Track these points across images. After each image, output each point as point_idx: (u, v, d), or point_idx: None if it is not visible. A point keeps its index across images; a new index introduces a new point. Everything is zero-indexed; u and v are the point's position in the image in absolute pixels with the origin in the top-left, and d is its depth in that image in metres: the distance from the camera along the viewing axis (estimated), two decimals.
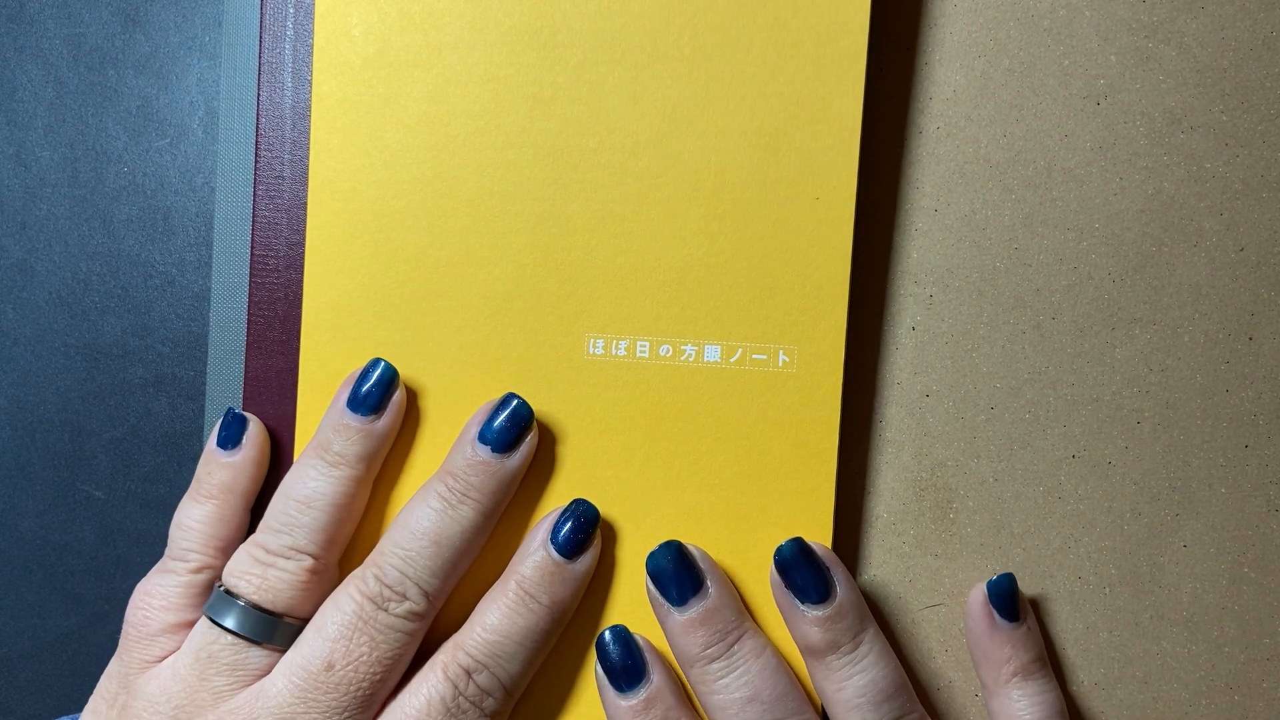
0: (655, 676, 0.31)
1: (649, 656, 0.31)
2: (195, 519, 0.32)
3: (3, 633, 0.37)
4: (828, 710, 0.30)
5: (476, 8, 0.31)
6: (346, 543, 0.31)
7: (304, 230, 0.33)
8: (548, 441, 0.32)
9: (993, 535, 0.33)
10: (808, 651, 0.30)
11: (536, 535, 0.31)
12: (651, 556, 0.31)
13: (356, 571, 0.30)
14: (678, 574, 0.30)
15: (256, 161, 0.33)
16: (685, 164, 0.31)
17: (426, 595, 0.30)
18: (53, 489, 0.37)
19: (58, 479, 0.37)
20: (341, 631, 0.29)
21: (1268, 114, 0.32)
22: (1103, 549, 0.33)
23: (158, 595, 0.31)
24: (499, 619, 0.30)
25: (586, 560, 0.31)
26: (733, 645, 0.30)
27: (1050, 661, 0.33)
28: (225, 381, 0.35)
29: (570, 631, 0.32)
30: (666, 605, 0.30)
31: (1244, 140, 0.32)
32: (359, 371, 0.31)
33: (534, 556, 0.30)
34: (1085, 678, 0.33)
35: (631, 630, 0.31)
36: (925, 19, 0.32)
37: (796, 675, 0.31)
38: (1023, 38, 0.33)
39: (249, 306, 0.33)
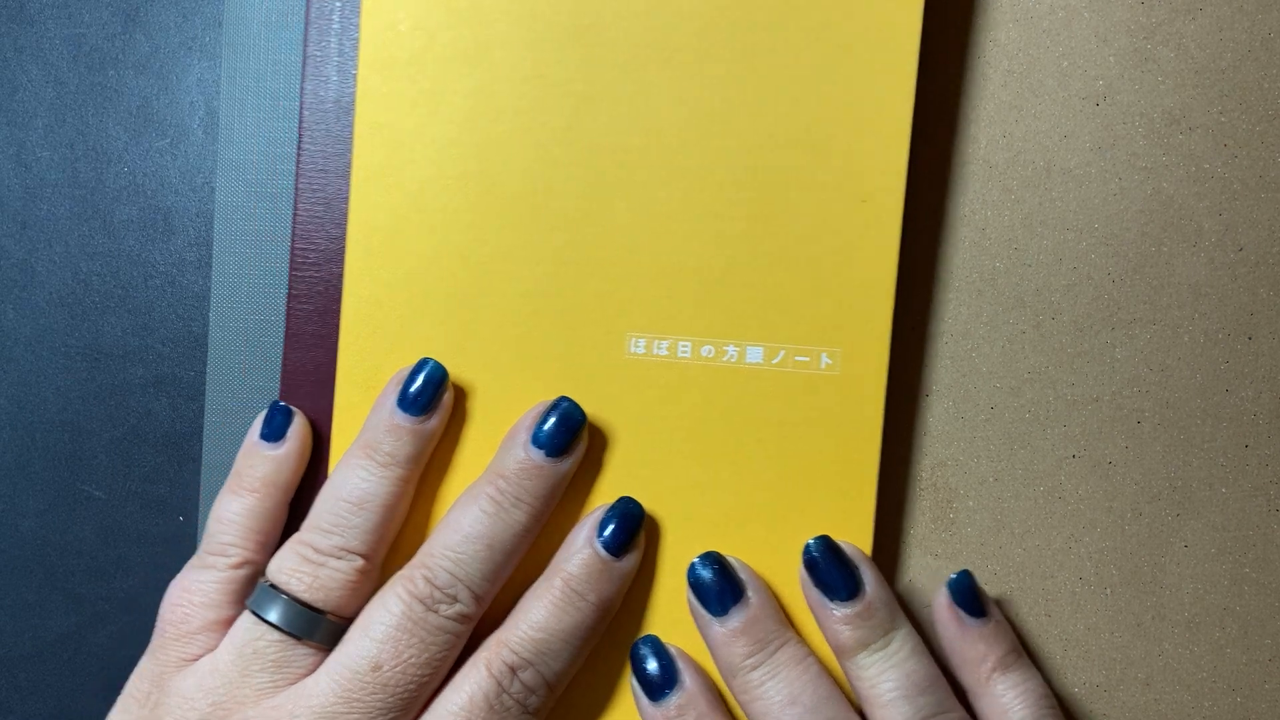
0: (688, 683, 0.30)
1: (681, 664, 0.31)
2: (235, 512, 0.31)
3: (3, 633, 0.37)
4: (864, 711, 0.30)
5: (523, 5, 0.31)
6: (392, 541, 0.31)
7: (344, 225, 0.32)
8: (589, 440, 0.32)
9: (993, 535, 0.33)
10: (839, 650, 0.30)
11: (581, 532, 0.31)
12: (692, 568, 0.31)
13: (403, 572, 0.30)
14: (719, 584, 0.30)
15: (299, 155, 0.33)
16: (731, 164, 0.31)
17: (476, 597, 0.30)
18: (53, 489, 0.37)
19: (58, 479, 0.37)
20: (389, 633, 0.29)
21: (1266, 115, 0.32)
22: (1103, 549, 0.33)
23: (197, 591, 0.31)
24: (545, 616, 0.30)
25: (632, 558, 0.31)
26: (775, 652, 0.30)
27: (1035, 659, 0.33)
28: (225, 381, 0.35)
29: (610, 629, 0.32)
30: (708, 616, 0.30)
31: (1243, 141, 0.32)
32: (407, 370, 0.31)
33: (580, 554, 0.30)
34: (1087, 679, 0.33)
35: (668, 635, 0.31)
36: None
37: (840, 688, 0.31)
38: (1022, 39, 0.33)
39: (287, 300, 0.33)
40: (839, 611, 0.30)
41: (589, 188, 0.31)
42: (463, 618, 0.29)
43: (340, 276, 0.32)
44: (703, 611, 0.30)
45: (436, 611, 0.29)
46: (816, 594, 0.30)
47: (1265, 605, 0.32)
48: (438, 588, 0.29)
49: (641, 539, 0.31)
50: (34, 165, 0.37)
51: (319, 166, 0.33)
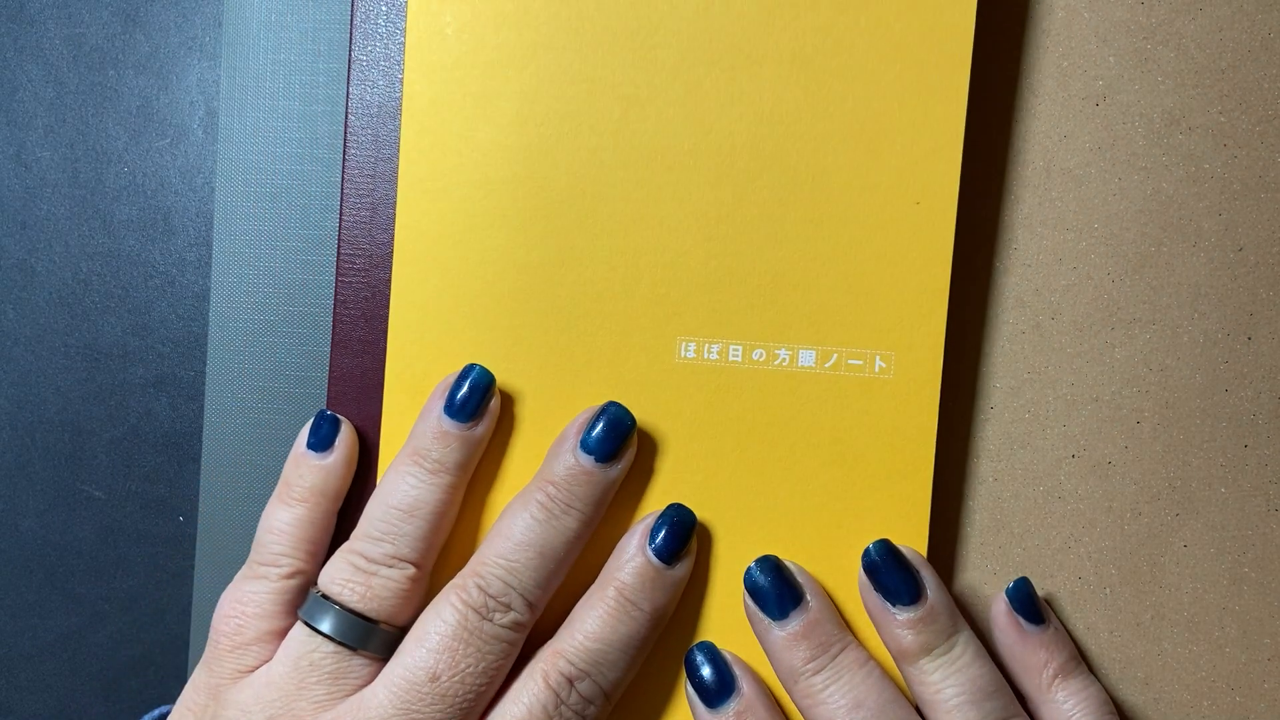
0: (746, 689, 0.30)
1: (738, 670, 0.30)
2: (286, 522, 0.31)
3: (3, 633, 0.37)
4: (927, 715, 0.30)
5: (571, 7, 0.31)
6: (440, 547, 0.31)
7: (391, 229, 0.32)
8: (639, 446, 0.32)
9: (993, 535, 0.33)
10: (900, 656, 0.30)
11: (633, 540, 0.30)
12: (749, 572, 0.30)
13: (456, 580, 0.30)
14: (777, 588, 0.30)
15: (345, 160, 0.32)
16: (782, 166, 0.31)
17: (530, 605, 0.29)
18: (53, 489, 0.37)
19: (58, 479, 0.37)
20: (445, 642, 0.29)
21: (1266, 115, 0.32)
22: (1103, 549, 0.33)
23: (250, 602, 0.31)
24: (600, 626, 0.29)
25: (685, 565, 0.30)
26: (836, 656, 0.30)
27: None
28: (225, 381, 0.35)
29: (663, 637, 0.31)
30: (766, 620, 0.30)
31: (1242, 141, 0.32)
32: (454, 377, 0.31)
33: (633, 562, 0.30)
34: None
35: (723, 643, 0.31)
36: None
37: (902, 692, 0.31)
38: (1022, 38, 0.33)
39: (334, 305, 0.33)
40: (901, 616, 0.29)
41: (638, 191, 0.31)
42: (517, 626, 0.29)
43: (387, 282, 0.32)
44: (761, 616, 0.30)
45: (491, 620, 0.29)
46: (877, 599, 0.30)
47: (1264, 605, 0.33)
48: (491, 596, 0.29)
49: (693, 546, 0.31)
50: (34, 165, 0.37)
51: (365, 172, 0.32)
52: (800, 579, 0.30)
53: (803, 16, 0.31)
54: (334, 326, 0.33)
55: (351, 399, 0.33)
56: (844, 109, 0.31)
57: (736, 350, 0.31)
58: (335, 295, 0.33)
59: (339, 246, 0.33)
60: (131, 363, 0.37)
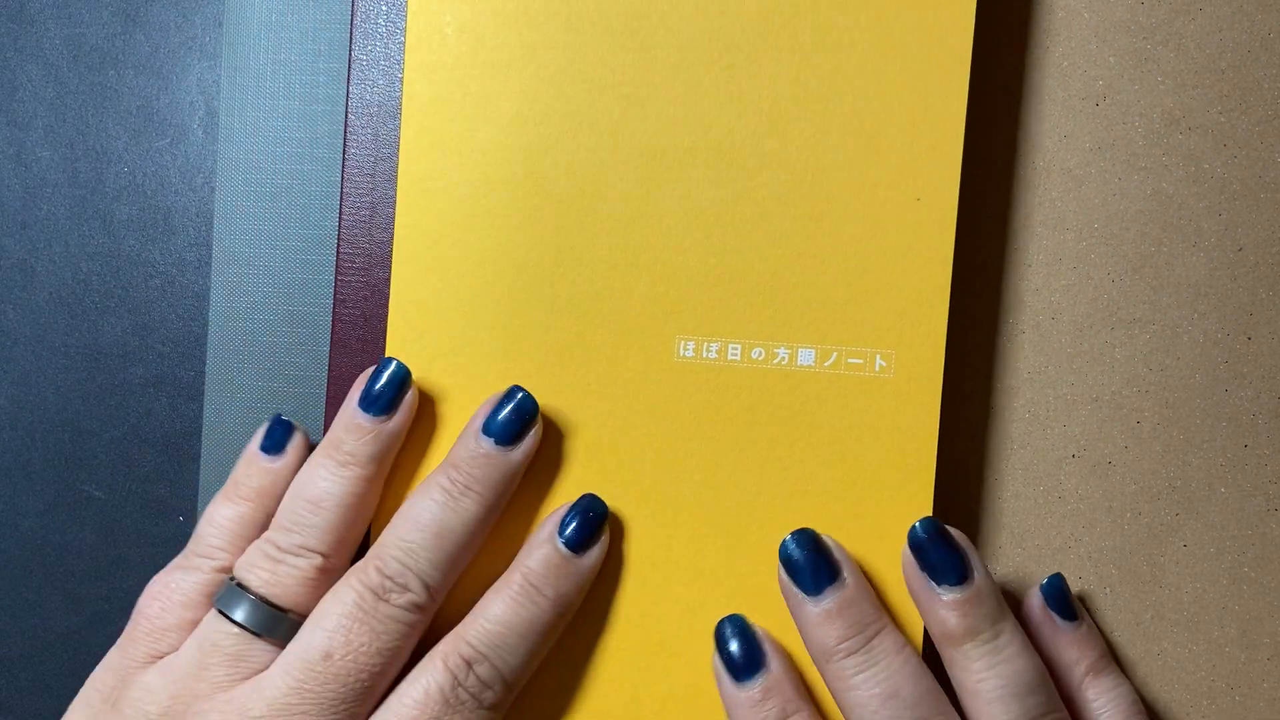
0: (774, 666, 0.30)
1: (768, 647, 0.30)
2: (227, 518, 0.31)
3: (3, 633, 0.37)
4: (965, 705, 0.29)
5: (570, 6, 0.31)
6: (358, 542, 0.31)
7: (390, 229, 0.32)
8: (635, 446, 0.31)
9: (993, 535, 0.33)
10: (944, 639, 0.29)
11: (544, 530, 0.31)
12: (784, 544, 0.30)
13: (357, 565, 0.30)
14: (813, 562, 0.30)
15: (344, 159, 0.33)
16: (782, 164, 0.31)
17: (428, 587, 0.30)
18: (53, 489, 0.37)
19: (58, 479, 0.37)
20: (340, 622, 0.29)
21: (1265, 115, 0.32)
22: (1103, 549, 0.33)
23: (177, 590, 0.31)
24: (502, 610, 0.30)
25: (594, 555, 0.31)
26: (871, 639, 0.29)
27: None
28: (225, 381, 0.35)
29: (582, 628, 0.31)
30: (800, 595, 0.30)
31: (1242, 141, 0.32)
32: (371, 370, 0.31)
33: (540, 550, 0.30)
34: None
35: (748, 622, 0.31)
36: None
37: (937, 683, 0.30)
38: (1022, 38, 0.33)
39: (334, 305, 0.33)
40: (947, 596, 0.29)
41: (638, 190, 0.31)
42: (414, 607, 0.29)
43: (386, 281, 0.32)
44: (795, 590, 0.30)
45: (388, 601, 0.29)
46: (921, 578, 0.29)
47: (1264, 604, 0.33)
48: (388, 577, 0.29)
49: (605, 536, 0.31)
50: (34, 165, 0.37)
51: (365, 171, 0.32)
52: (838, 555, 0.30)
53: (802, 14, 0.31)
54: (333, 326, 0.33)
55: None
56: (843, 106, 0.31)
57: (735, 349, 0.31)
58: (334, 295, 0.33)
59: (338, 246, 0.33)
60: (131, 363, 0.37)
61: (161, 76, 0.37)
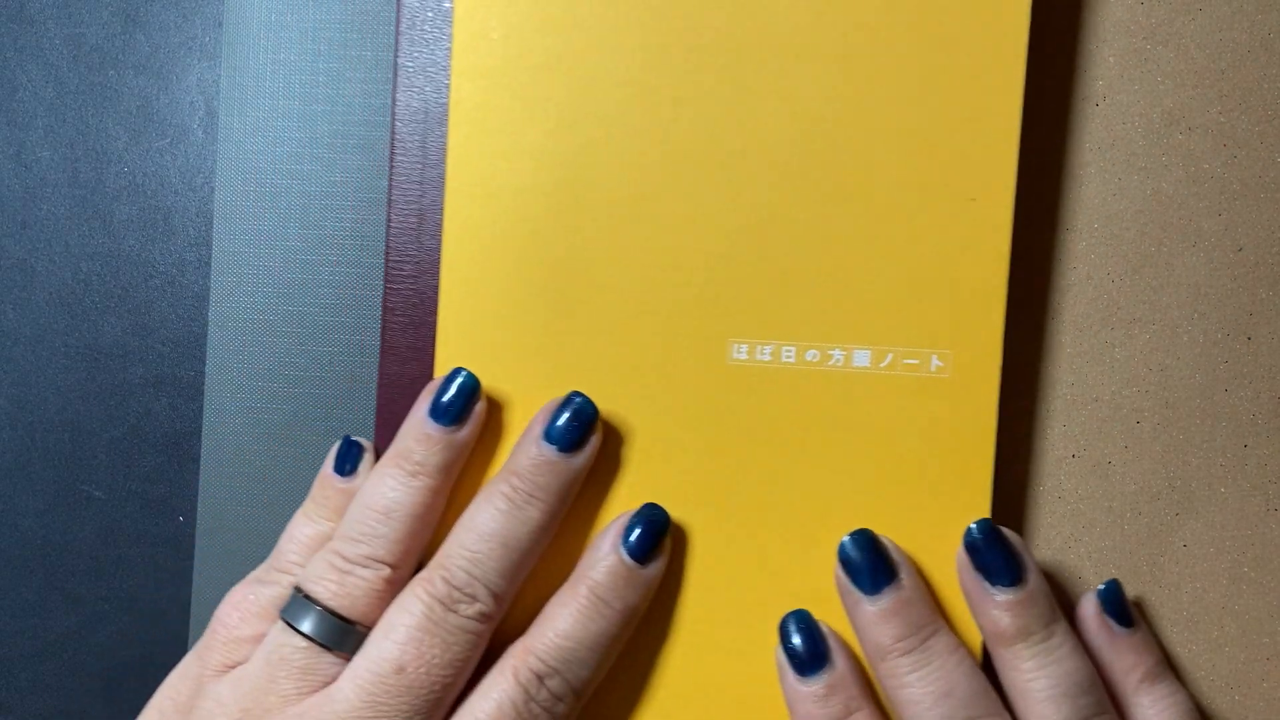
0: (839, 663, 0.30)
1: (833, 643, 0.30)
2: (308, 536, 0.32)
3: (3, 633, 0.37)
4: (1016, 706, 0.29)
5: (618, 9, 0.31)
6: (422, 552, 0.31)
7: (438, 236, 0.32)
8: (690, 450, 0.31)
9: None
10: (997, 639, 0.29)
11: (607, 539, 0.30)
12: (842, 545, 0.30)
13: (422, 574, 0.30)
14: (871, 561, 0.30)
15: (391, 167, 0.32)
16: (834, 165, 0.30)
17: (495, 596, 0.29)
18: (53, 489, 0.37)
19: (58, 479, 0.37)
20: (410, 634, 0.29)
21: (1265, 115, 0.32)
22: (1102, 549, 0.33)
23: (254, 603, 0.31)
24: (570, 624, 0.29)
25: (658, 565, 0.30)
26: (927, 639, 0.29)
27: None
28: (225, 381, 0.35)
29: (643, 633, 0.31)
30: (857, 594, 0.30)
31: (1242, 141, 0.32)
32: (440, 380, 0.31)
33: (606, 561, 0.30)
34: None
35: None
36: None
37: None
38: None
39: (383, 312, 0.32)
40: (1001, 597, 0.29)
41: (688, 192, 0.31)
42: (482, 617, 0.29)
43: (434, 289, 0.32)
44: (852, 589, 0.30)
45: (456, 611, 0.29)
46: (976, 578, 0.30)
47: (1263, 604, 0.33)
48: (456, 587, 0.29)
49: (667, 545, 0.31)
50: (34, 165, 0.37)
51: (412, 178, 0.32)
52: (895, 556, 0.30)
53: (851, 13, 0.30)
54: (382, 333, 0.33)
55: (402, 406, 0.32)
56: (895, 106, 0.30)
57: (789, 351, 0.31)
58: (383, 302, 0.32)
59: (386, 253, 0.32)
60: (131, 363, 0.37)
61: (161, 76, 0.37)
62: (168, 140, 0.37)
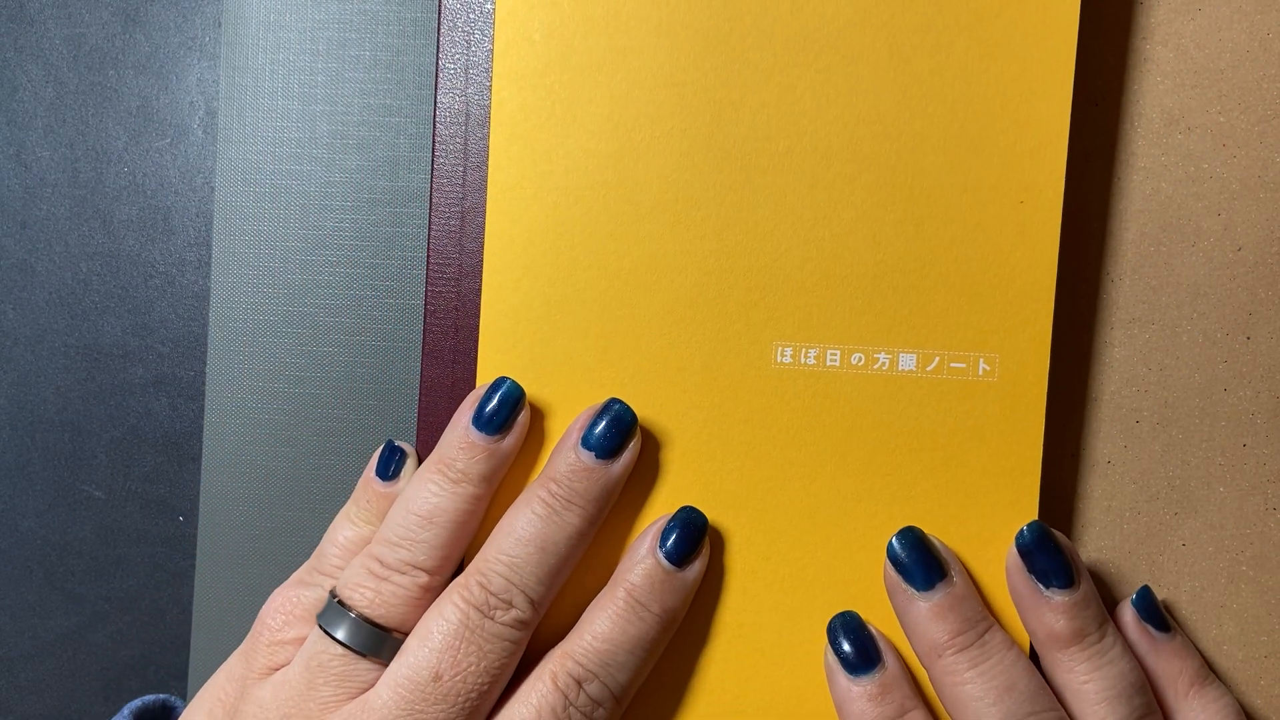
0: (891, 663, 0.30)
1: (884, 644, 0.30)
2: (349, 539, 0.32)
3: (3, 633, 0.37)
4: (1070, 707, 0.29)
5: (661, 10, 0.31)
6: (459, 560, 0.31)
7: (480, 239, 0.32)
8: (734, 453, 0.31)
9: None
10: (1051, 641, 0.29)
11: (644, 543, 0.30)
12: (892, 543, 0.30)
13: (459, 580, 0.30)
14: (923, 558, 0.30)
15: (433, 170, 0.32)
16: (880, 167, 0.30)
17: (533, 602, 0.29)
18: (53, 489, 0.37)
19: (58, 479, 0.37)
20: (448, 641, 0.28)
21: (1265, 115, 0.32)
22: (1102, 548, 0.33)
23: (299, 606, 0.31)
24: (609, 627, 0.29)
25: (696, 568, 0.30)
26: (983, 634, 0.29)
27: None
28: (225, 381, 0.35)
29: (684, 637, 0.31)
30: (910, 591, 0.29)
31: (1241, 141, 0.32)
32: (484, 389, 0.31)
33: (643, 564, 0.30)
34: None
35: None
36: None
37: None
38: None
39: (424, 315, 0.32)
40: (1056, 599, 0.29)
41: (732, 194, 0.31)
42: (520, 624, 0.29)
43: (477, 291, 0.32)
44: (904, 587, 0.30)
45: (493, 618, 0.29)
46: (1029, 581, 0.29)
47: (1262, 603, 0.33)
48: (493, 593, 0.29)
49: (706, 548, 0.31)
50: (34, 165, 0.37)
51: (454, 180, 0.32)
52: (945, 554, 0.30)
53: (900, 14, 0.30)
54: (424, 337, 0.32)
55: (444, 410, 0.32)
56: (943, 108, 0.30)
57: (834, 354, 0.31)
58: (425, 305, 0.32)
59: (428, 256, 0.32)
60: (131, 363, 0.37)
61: (161, 76, 0.37)
62: (168, 140, 0.37)
